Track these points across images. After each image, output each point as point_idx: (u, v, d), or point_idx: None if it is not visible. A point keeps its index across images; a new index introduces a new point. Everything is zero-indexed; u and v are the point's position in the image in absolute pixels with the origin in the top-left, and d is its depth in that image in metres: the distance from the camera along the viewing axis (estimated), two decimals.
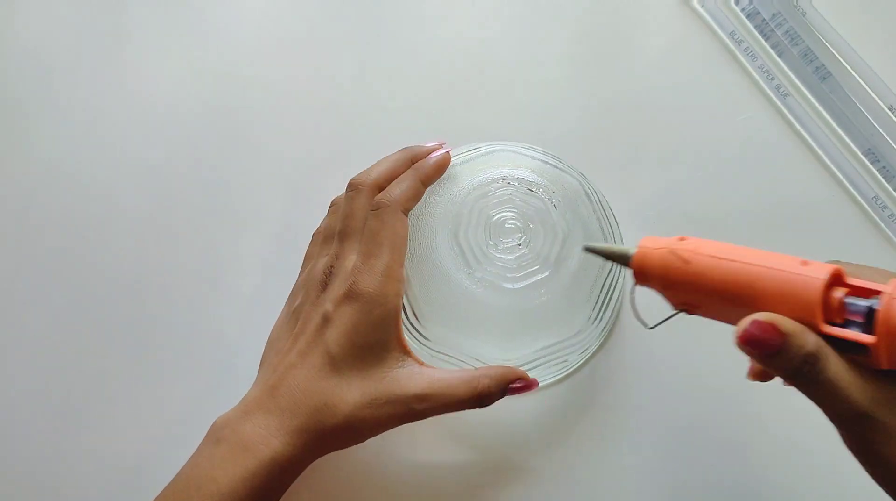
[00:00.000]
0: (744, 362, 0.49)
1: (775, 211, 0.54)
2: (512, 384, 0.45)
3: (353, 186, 0.47)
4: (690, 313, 0.36)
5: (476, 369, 0.45)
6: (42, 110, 0.58)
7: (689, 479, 0.49)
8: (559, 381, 0.50)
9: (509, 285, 0.47)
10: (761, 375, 0.40)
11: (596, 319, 0.49)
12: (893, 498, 0.34)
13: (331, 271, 0.46)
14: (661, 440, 0.50)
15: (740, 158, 0.55)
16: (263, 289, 0.53)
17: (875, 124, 0.53)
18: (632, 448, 0.50)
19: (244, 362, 0.49)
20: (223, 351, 0.53)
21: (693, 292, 0.35)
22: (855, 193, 0.53)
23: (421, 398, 0.43)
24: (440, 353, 0.48)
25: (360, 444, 0.44)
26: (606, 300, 0.49)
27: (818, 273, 0.32)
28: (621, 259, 0.37)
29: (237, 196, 0.56)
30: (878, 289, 0.32)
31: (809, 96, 0.55)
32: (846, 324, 0.33)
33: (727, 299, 0.34)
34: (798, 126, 0.55)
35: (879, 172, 0.53)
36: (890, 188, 0.53)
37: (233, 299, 0.54)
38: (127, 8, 0.60)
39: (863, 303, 0.32)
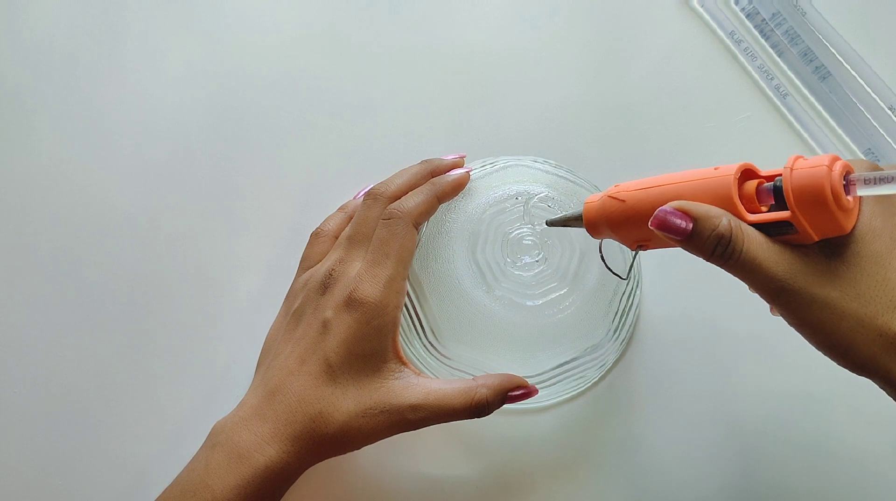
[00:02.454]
0: (760, 370, 0.51)
1: None
2: (512, 392, 0.44)
3: (371, 196, 0.47)
4: (646, 248, 0.39)
5: (474, 378, 0.44)
6: (45, 110, 0.57)
7: (707, 491, 0.50)
8: (575, 397, 0.51)
9: (529, 303, 0.47)
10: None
11: (615, 332, 0.49)
12: (832, 359, 0.36)
13: (332, 275, 0.45)
14: (678, 452, 0.50)
15: (740, 158, 0.55)
16: (265, 290, 0.52)
17: (875, 124, 0.54)
18: (648, 461, 0.50)
19: (245, 363, 0.48)
20: (224, 352, 0.52)
21: (636, 226, 0.38)
22: None
23: (415, 408, 0.43)
24: (459, 371, 0.48)
25: (360, 450, 0.44)
26: (625, 314, 0.49)
27: (728, 171, 0.35)
28: (576, 221, 0.41)
29: (238, 197, 0.55)
30: (779, 171, 0.35)
31: (809, 96, 0.55)
32: (770, 211, 0.35)
33: None
34: (798, 126, 0.55)
35: None
36: None
37: (234, 301, 0.53)
38: (129, 7, 0.59)
39: (769, 185, 0.35)
